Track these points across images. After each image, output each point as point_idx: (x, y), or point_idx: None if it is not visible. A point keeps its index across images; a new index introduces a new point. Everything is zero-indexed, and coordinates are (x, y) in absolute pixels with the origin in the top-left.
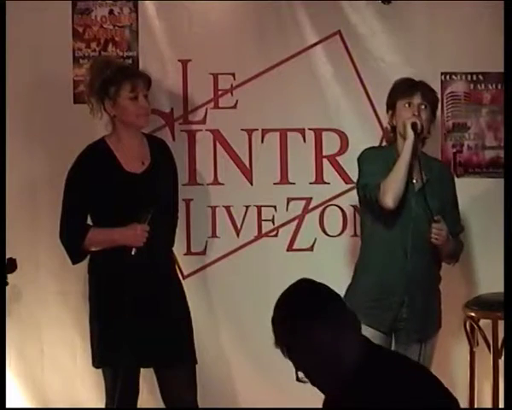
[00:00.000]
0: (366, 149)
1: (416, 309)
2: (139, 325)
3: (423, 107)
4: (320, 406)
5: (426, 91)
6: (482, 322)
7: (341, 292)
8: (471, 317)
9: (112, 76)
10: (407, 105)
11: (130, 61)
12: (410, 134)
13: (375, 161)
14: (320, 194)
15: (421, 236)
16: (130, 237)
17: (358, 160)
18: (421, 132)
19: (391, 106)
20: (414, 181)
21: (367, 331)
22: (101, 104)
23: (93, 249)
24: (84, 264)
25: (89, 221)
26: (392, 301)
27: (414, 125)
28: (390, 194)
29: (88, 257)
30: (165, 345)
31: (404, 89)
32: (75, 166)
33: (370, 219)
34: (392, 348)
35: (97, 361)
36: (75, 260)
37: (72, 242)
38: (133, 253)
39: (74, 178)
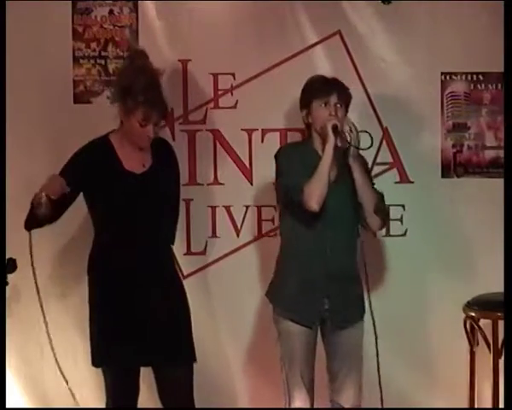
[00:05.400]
0: (284, 146)
1: (339, 299)
2: (138, 323)
3: (339, 106)
4: (319, 406)
5: (341, 91)
6: (482, 322)
7: None
8: (471, 317)
9: (133, 94)
10: (323, 105)
11: None
12: (331, 137)
13: (294, 159)
14: None
15: (339, 227)
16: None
17: (276, 156)
18: (340, 132)
19: (305, 105)
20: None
21: (293, 327)
22: (116, 100)
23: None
24: (83, 265)
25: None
26: (314, 296)
27: (334, 128)
28: (314, 198)
29: (87, 257)
30: (164, 343)
31: (320, 89)
32: (74, 156)
33: (289, 216)
34: (318, 340)
35: (97, 361)
36: (26, 225)
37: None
38: (42, 200)
39: (68, 167)
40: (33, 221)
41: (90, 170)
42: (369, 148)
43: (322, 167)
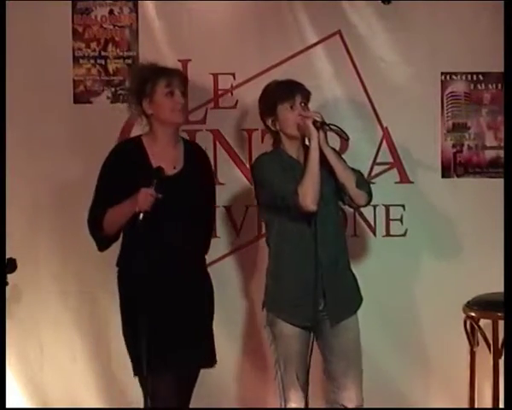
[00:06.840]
0: (259, 157)
1: (334, 295)
2: (174, 329)
3: (303, 104)
4: (319, 406)
5: (302, 90)
6: (482, 322)
7: None
8: (471, 317)
9: (148, 75)
10: (290, 107)
11: (130, 61)
12: (314, 132)
13: (275, 167)
14: None
15: (326, 221)
16: (136, 203)
17: (255, 168)
18: (322, 124)
19: (270, 112)
20: None
21: (289, 329)
22: (139, 106)
23: (115, 230)
24: (83, 264)
25: None
26: (310, 296)
27: (315, 123)
28: (310, 197)
29: (88, 256)
30: (198, 348)
31: (283, 93)
32: (107, 159)
33: (277, 222)
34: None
35: (139, 369)
36: (100, 247)
37: (94, 229)
38: (140, 218)
39: (104, 171)
40: (110, 241)
41: (124, 170)
42: (348, 138)
43: (312, 165)
